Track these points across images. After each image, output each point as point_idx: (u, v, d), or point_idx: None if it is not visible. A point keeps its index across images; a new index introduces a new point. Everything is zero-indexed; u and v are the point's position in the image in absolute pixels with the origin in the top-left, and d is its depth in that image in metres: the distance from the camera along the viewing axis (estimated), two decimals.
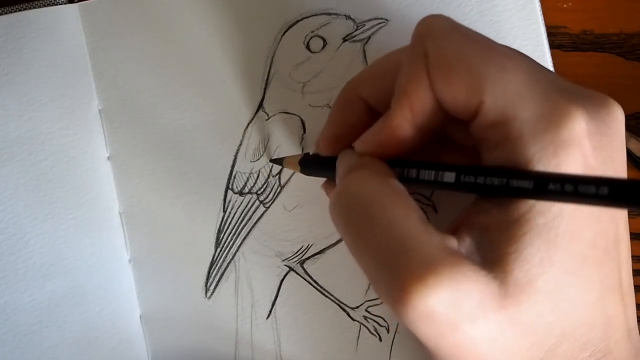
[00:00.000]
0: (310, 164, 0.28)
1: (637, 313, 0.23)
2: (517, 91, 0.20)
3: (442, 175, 0.22)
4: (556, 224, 0.20)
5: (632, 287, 0.23)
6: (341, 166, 0.25)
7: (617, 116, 0.21)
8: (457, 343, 0.20)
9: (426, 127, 0.23)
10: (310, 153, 0.29)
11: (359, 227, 0.22)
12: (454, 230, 0.22)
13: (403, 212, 0.21)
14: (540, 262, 0.20)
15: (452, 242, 0.21)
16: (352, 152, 0.25)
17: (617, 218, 0.22)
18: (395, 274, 0.20)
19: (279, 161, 0.30)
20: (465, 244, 0.21)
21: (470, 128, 0.22)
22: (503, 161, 0.21)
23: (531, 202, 0.20)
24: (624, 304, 0.22)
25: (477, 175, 0.21)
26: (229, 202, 0.32)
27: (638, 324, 0.23)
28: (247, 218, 0.31)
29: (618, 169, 0.22)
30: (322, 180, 0.29)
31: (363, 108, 0.26)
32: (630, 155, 0.30)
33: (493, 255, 0.20)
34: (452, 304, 0.19)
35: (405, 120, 0.23)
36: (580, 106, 0.20)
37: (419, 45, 0.22)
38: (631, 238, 0.23)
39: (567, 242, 0.20)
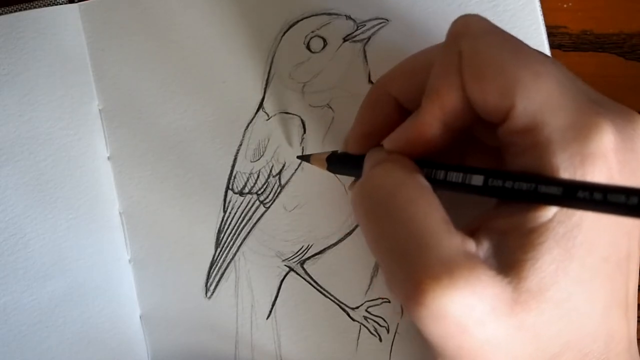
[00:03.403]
0: (337, 162, 0.28)
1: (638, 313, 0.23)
2: (548, 98, 0.20)
3: (470, 178, 0.22)
4: (574, 234, 0.20)
5: (636, 300, 0.23)
6: (368, 162, 0.25)
7: None
8: (462, 345, 0.20)
9: (455, 127, 0.23)
10: (339, 151, 0.29)
11: (379, 217, 0.22)
12: (472, 232, 0.22)
13: (426, 208, 0.21)
14: (555, 272, 0.20)
15: (471, 245, 0.21)
16: (381, 149, 0.25)
17: (631, 233, 0.22)
18: (411, 269, 0.20)
19: (305, 158, 0.30)
20: (483, 248, 0.21)
21: (499, 131, 0.22)
22: (528, 167, 0.21)
23: (553, 210, 0.20)
24: (627, 317, 0.22)
25: (505, 179, 0.21)
26: (229, 202, 0.32)
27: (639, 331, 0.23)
28: (247, 218, 0.31)
29: None
30: (324, 180, 0.29)
31: (393, 106, 0.26)
32: None
33: (509, 261, 0.20)
34: (465, 307, 0.19)
35: (435, 119, 0.22)
36: (609, 119, 0.20)
37: (453, 45, 0.22)
38: None
39: (583, 254, 0.20)
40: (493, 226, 0.21)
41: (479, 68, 0.21)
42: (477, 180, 0.21)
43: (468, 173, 0.22)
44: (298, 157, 0.31)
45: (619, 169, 0.20)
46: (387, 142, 0.24)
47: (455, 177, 0.22)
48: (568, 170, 0.20)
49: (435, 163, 0.23)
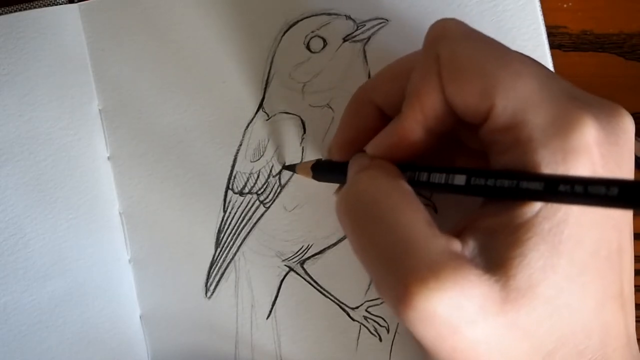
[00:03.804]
0: (322, 170, 0.28)
1: (637, 313, 0.23)
2: (528, 96, 0.20)
3: (453, 178, 0.22)
4: (561, 229, 0.20)
5: (633, 295, 0.23)
6: (352, 168, 0.25)
7: (627, 126, 0.21)
8: (455, 346, 0.20)
9: (437, 130, 0.23)
10: (322, 159, 0.29)
11: (364, 225, 0.22)
12: (459, 233, 0.22)
13: (410, 213, 0.21)
14: (543, 268, 0.20)
15: (457, 245, 0.21)
16: (364, 155, 0.25)
17: (621, 226, 0.22)
18: (398, 274, 0.20)
19: (291, 168, 0.30)
20: (469, 247, 0.21)
21: (480, 132, 0.22)
22: (512, 165, 0.21)
23: (537, 206, 0.20)
24: (624, 312, 0.22)
25: (487, 177, 0.21)
26: (229, 202, 0.32)
27: (638, 330, 0.23)
28: (247, 218, 0.31)
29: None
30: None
31: (375, 113, 0.26)
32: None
33: (496, 259, 0.20)
34: (454, 307, 0.19)
35: (416, 122, 0.23)
36: (591, 114, 0.20)
37: (431, 48, 0.22)
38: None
39: (571, 249, 0.20)
40: (479, 226, 0.21)
41: (457, 70, 0.21)
42: (460, 180, 0.22)
43: (451, 173, 0.22)
44: (283, 167, 0.31)
45: (603, 163, 0.20)
46: (370, 148, 0.25)
47: (438, 178, 0.22)
48: (550, 166, 0.20)
49: (418, 166, 0.23)
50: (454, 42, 0.22)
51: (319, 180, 0.29)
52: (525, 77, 0.21)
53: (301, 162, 0.31)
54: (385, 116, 0.26)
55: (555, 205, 0.20)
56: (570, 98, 0.21)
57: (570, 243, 0.20)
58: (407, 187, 0.22)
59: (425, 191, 0.23)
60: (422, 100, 0.22)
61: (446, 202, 0.30)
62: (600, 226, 0.21)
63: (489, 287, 0.20)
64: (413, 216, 0.21)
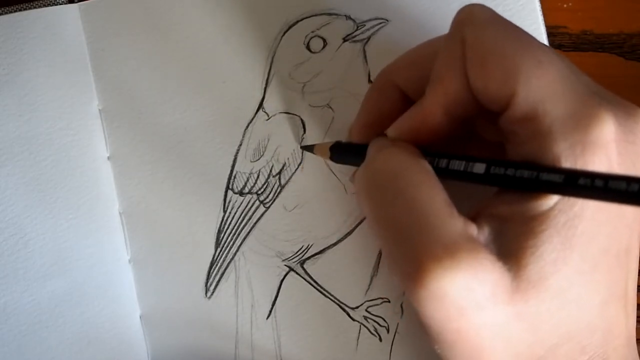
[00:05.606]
0: (341, 151, 0.28)
1: (638, 313, 0.23)
2: (550, 87, 0.20)
3: (472, 166, 0.22)
4: (575, 223, 0.20)
5: (636, 296, 0.23)
6: (372, 148, 0.25)
7: None
8: (461, 328, 0.20)
9: (457, 116, 0.23)
10: (342, 141, 0.29)
11: (382, 199, 0.22)
12: (473, 219, 0.22)
13: (429, 191, 0.21)
14: (555, 261, 0.20)
15: (473, 229, 0.21)
16: (385, 138, 0.25)
17: (632, 226, 0.22)
18: (412, 250, 0.20)
19: (309, 148, 0.30)
20: (483, 233, 0.21)
21: (500, 121, 0.22)
22: (530, 157, 0.21)
23: (554, 199, 0.20)
24: (626, 312, 0.22)
25: (507, 167, 0.21)
26: (229, 202, 0.32)
27: (638, 330, 0.23)
28: (247, 218, 0.31)
29: None
30: (324, 180, 0.29)
31: (397, 96, 0.26)
32: None
33: (510, 248, 0.20)
34: (465, 289, 0.19)
35: (439, 106, 0.23)
36: (611, 111, 0.20)
37: (457, 33, 0.22)
38: None
39: (584, 244, 0.20)
40: (494, 212, 0.21)
41: (481, 55, 0.21)
42: (479, 168, 0.22)
43: (470, 161, 0.22)
44: (301, 147, 0.31)
45: (620, 161, 0.20)
46: (391, 130, 0.25)
47: (457, 165, 0.22)
48: (569, 159, 0.20)
49: (438, 152, 0.23)
50: (479, 27, 0.22)
51: (336, 161, 0.28)
52: (548, 68, 0.21)
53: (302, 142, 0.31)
54: (407, 99, 0.26)
55: (571, 199, 0.20)
56: (591, 93, 0.21)
57: (584, 238, 0.20)
58: (428, 166, 0.22)
59: (442, 179, 0.23)
60: (445, 84, 0.22)
61: (455, 195, 0.30)
62: (613, 224, 0.21)
63: (501, 275, 0.20)
64: (432, 194, 0.21)
